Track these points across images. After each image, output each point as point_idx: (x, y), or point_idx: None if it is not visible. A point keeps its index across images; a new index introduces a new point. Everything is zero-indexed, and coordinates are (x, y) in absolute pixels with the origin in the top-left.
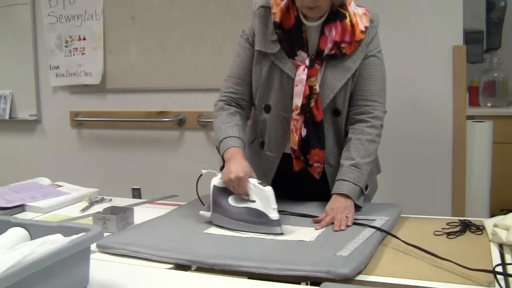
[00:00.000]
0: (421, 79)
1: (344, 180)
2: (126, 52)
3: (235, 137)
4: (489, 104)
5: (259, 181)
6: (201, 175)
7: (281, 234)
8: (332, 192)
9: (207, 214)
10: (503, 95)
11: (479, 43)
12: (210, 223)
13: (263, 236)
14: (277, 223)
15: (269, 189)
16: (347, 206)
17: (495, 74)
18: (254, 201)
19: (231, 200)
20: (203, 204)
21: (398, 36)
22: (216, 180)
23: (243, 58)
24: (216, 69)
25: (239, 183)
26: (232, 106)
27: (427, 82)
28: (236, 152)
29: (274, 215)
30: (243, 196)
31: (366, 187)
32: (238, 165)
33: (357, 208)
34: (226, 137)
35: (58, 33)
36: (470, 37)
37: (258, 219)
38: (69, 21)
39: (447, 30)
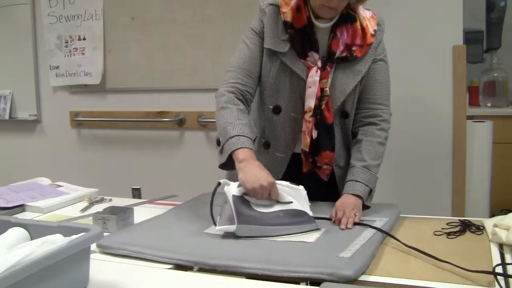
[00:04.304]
0: (421, 79)
1: (357, 181)
2: (126, 52)
3: (249, 138)
4: (489, 104)
5: (288, 182)
6: (219, 184)
7: (319, 229)
8: (344, 193)
9: (231, 228)
10: (503, 95)
11: (479, 43)
12: (210, 221)
13: (263, 237)
14: (314, 219)
15: (302, 188)
16: (356, 204)
17: (495, 74)
18: (291, 202)
19: (257, 208)
20: (213, 219)
21: (398, 36)
22: (234, 190)
23: (253, 50)
24: (216, 69)
25: (271, 189)
26: (240, 100)
27: (427, 82)
28: (251, 155)
29: (310, 212)
30: (262, 202)
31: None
32: (263, 171)
33: (365, 208)
34: (239, 135)
35: (58, 33)
36: (470, 37)
37: (299, 218)
38: (69, 21)
39: (447, 30)
